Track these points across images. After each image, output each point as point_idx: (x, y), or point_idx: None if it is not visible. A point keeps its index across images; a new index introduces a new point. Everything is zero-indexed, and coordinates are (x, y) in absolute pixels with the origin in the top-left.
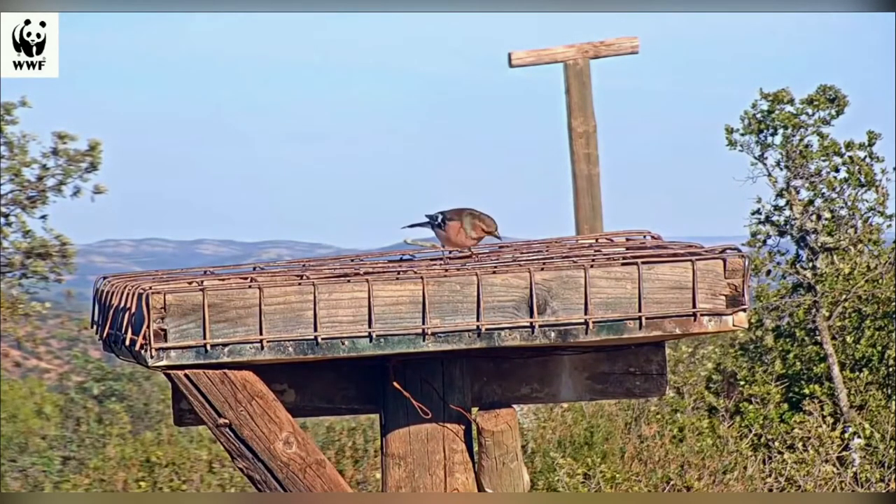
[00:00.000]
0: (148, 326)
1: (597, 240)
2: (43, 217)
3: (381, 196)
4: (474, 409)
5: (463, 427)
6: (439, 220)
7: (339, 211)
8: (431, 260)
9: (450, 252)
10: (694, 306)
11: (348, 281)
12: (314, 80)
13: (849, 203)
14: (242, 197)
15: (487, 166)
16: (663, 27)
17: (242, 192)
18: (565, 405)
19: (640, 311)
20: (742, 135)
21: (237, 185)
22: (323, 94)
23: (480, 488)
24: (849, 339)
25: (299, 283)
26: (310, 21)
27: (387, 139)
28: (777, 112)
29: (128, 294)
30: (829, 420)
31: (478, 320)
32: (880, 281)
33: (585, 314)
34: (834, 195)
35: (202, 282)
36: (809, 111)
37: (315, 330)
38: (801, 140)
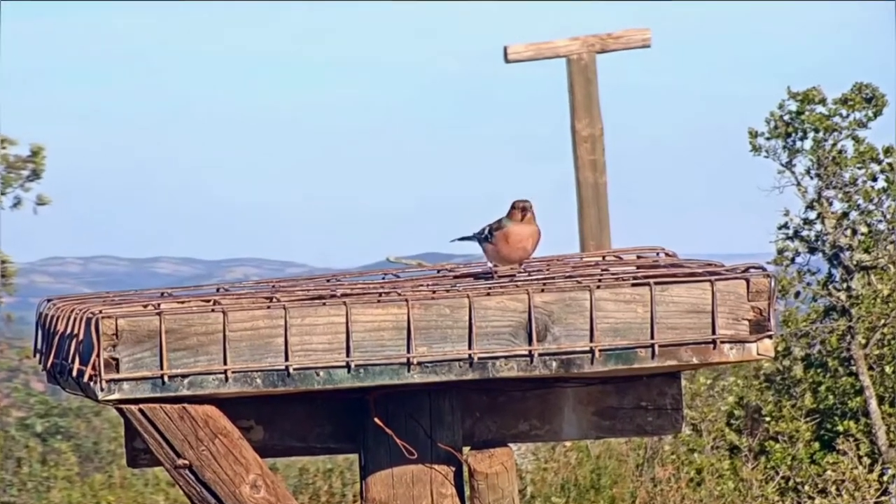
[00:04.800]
0: (98, 355)
1: (604, 257)
2: None
3: (361, 208)
4: (466, 449)
5: (453, 469)
6: (486, 231)
7: (313, 225)
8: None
9: (493, 267)
10: (713, 332)
11: (324, 304)
12: (284, 75)
13: (888, 216)
14: (205, 209)
15: (480, 175)
16: (678, 17)
17: (204, 203)
18: (568, 444)
19: (652, 337)
20: (768, 139)
21: (199, 196)
22: (294, 90)
23: None
24: (888, 369)
25: (268, 307)
26: (276, 10)
27: (365, 143)
28: (807, 113)
29: (75, 319)
30: (866, 461)
31: (470, 348)
32: None
33: (591, 341)
34: (871, 207)
35: (159, 304)
36: (843, 112)
37: (286, 359)
38: (834, 145)
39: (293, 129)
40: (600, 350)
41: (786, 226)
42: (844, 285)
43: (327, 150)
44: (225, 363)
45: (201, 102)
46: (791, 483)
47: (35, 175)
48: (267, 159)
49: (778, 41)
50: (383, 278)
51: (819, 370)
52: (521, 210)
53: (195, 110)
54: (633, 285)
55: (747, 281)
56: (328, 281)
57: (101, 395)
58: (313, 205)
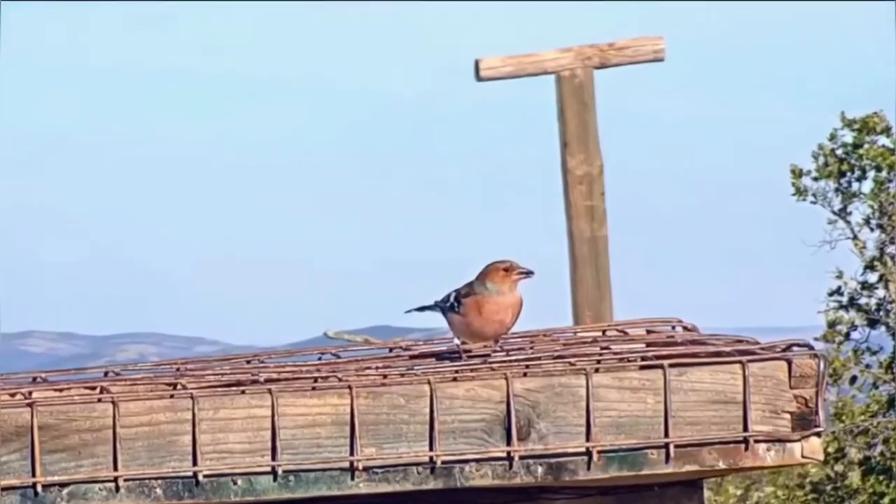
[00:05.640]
0: None
1: (604, 331)
2: None
3: (291, 269)
4: None
5: None
6: (452, 298)
7: (228, 291)
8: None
9: (462, 344)
10: (745, 429)
11: (243, 392)
12: (190, 98)
13: None
14: (88, 270)
15: (444, 226)
16: (698, 22)
17: (88, 262)
18: None
19: (666, 435)
20: (815, 179)
21: (80, 253)
22: (203, 118)
23: None
24: None
25: (171, 396)
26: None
27: (294, 186)
28: (866, 146)
29: None
30: None
31: (431, 449)
32: None
33: (587, 440)
34: None
35: (30, 393)
36: None
37: (194, 463)
38: None
39: (201, 166)
40: (599, 451)
41: (838, 291)
42: None
43: (246, 195)
44: (115, 468)
45: (81, 132)
46: None
47: None
48: (169, 206)
49: (827, 53)
50: (320, 359)
51: (881, 477)
52: (504, 270)
53: (73, 142)
54: (642, 368)
55: (789, 362)
56: (248, 362)
57: None
58: (229, 265)
